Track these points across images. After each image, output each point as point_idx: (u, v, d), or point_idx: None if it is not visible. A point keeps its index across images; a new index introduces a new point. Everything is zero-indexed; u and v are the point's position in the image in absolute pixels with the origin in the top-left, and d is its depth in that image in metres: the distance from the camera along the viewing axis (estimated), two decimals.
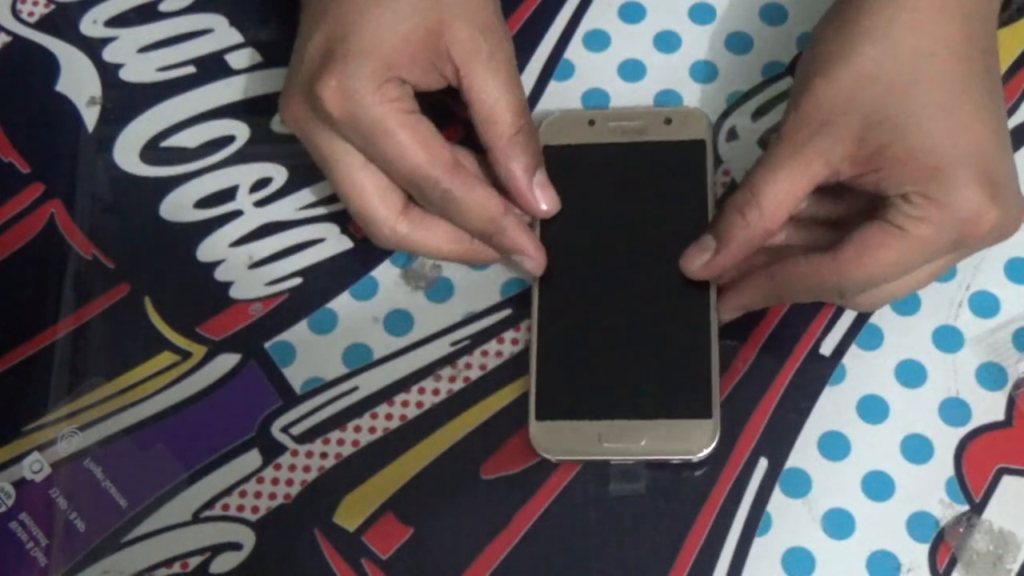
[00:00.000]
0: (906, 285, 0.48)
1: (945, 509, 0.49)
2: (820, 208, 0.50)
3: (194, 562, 0.50)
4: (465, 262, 0.52)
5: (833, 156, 0.46)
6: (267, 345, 0.53)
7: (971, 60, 0.47)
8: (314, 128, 0.50)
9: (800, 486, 0.50)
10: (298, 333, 0.53)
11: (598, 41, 0.59)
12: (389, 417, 0.52)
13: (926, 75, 0.46)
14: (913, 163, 0.45)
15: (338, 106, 0.48)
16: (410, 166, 0.48)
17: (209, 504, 0.51)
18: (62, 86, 0.59)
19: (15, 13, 0.60)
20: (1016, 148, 0.56)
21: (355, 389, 0.52)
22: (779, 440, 0.51)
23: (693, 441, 0.49)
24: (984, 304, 0.53)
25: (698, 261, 0.50)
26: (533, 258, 0.51)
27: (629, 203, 0.53)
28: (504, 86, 0.50)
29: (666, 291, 0.51)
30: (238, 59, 0.59)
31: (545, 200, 0.51)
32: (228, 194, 0.56)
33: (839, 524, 0.49)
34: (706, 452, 0.49)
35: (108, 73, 0.59)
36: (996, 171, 0.45)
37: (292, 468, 0.51)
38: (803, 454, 0.50)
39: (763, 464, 0.50)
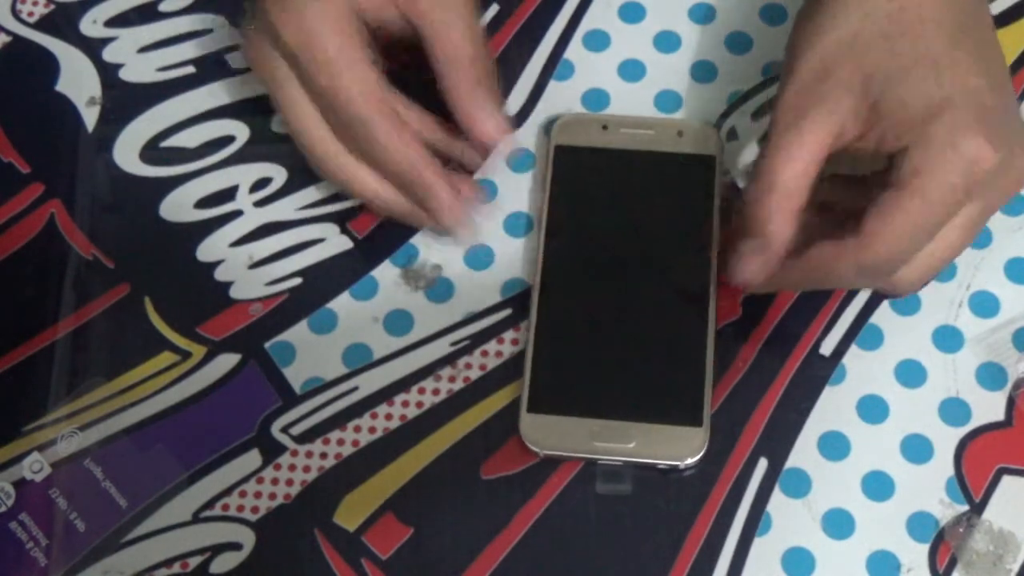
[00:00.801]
0: (941, 250, 0.47)
1: (945, 509, 0.49)
2: (847, 194, 0.49)
3: (194, 562, 0.50)
4: (398, 214, 0.52)
5: (839, 110, 0.46)
6: (267, 345, 0.53)
7: (956, 8, 0.47)
8: (267, 55, 0.51)
9: (800, 486, 0.50)
10: (298, 333, 0.53)
11: (598, 41, 0.59)
12: (389, 417, 0.52)
13: (910, 26, 0.46)
14: (905, 113, 0.45)
15: (292, 32, 0.49)
16: (344, 99, 0.49)
17: (209, 504, 0.51)
18: (62, 86, 0.59)
19: (15, 13, 0.60)
20: None
21: (355, 389, 0.52)
22: (779, 440, 0.51)
23: (682, 447, 0.49)
24: (984, 304, 0.53)
25: (749, 267, 0.48)
26: (447, 207, 0.51)
27: (635, 209, 0.54)
28: (458, 16, 0.50)
29: (665, 298, 0.52)
30: (238, 59, 0.59)
31: (491, 121, 0.51)
32: (228, 194, 0.56)
33: (839, 524, 0.49)
34: (694, 460, 0.49)
35: (108, 73, 0.59)
36: (992, 112, 0.45)
37: (292, 468, 0.51)
38: (803, 454, 0.50)
39: (763, 464, 0.50)
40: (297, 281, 0.54)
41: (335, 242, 0.55)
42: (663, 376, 0.50)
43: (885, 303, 0.53)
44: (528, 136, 0.57)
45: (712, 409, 0.50)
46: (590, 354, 0.51)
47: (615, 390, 0.50)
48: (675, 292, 0.52)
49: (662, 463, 0.49)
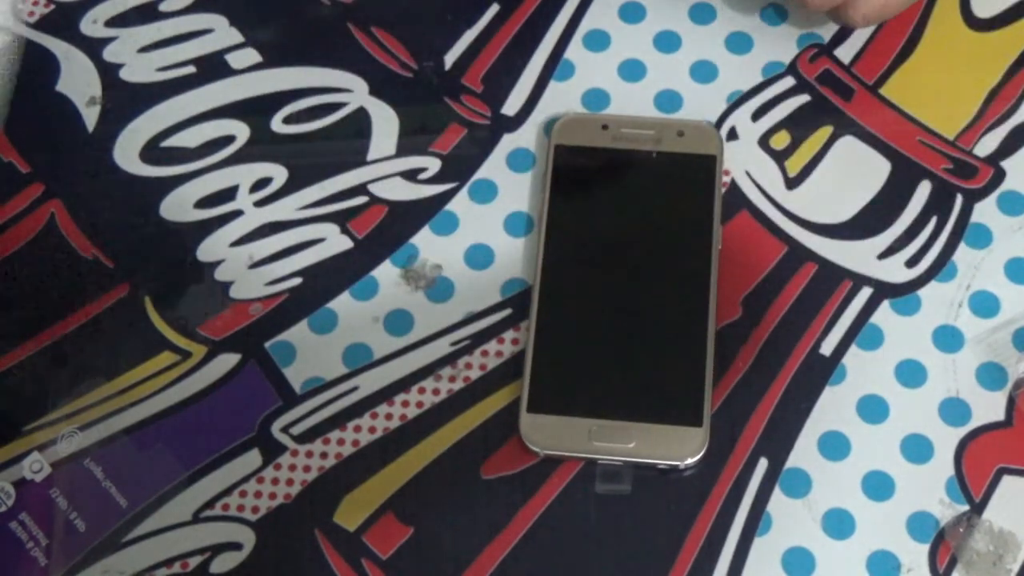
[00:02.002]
0: None
1: (945, 509, 0.49)
2: None
3: (194, 562, 0.50)
4: None
5: None
6: (267, 345, 0.53)
7: None
8: None
9: (800, 486, 0.50)
10: (298, 333, 0.53)
11: (598, 41, 0.59)
12: (389, 417, 0.52)
13: None
14: None
15: None
16: None
17: (209, 504, 0.51)
18: (62, 86, 0.59)
19: (15, 13, 0.60)
20: (1016, 148, 0.56)
21: (355, 389, 0.52)
22: (779, 440, 0.51)
23: (682, 448, 0.49)
24: (984, 304, 0.53)
25: None
26: None
27: (635, 210, 0.54)
28: None
29: (666, 298, 0.52)
30: (238, 59, 0.59)
31: None
32: (228, 194, 0.56)
33: (839, 524, 0.49)
34: (694, 460, 0.49)
35: (108, 73, 0.59)
36: None
37: (292, 468, 0.51)
38: (803, 454, 0.50)
39: (763, 464, 0.50)
40: (297, 281, 0.54)
41: (335, 242, 0.55)
42: (663, 376, 0.50)
43: (885, 303, 0.53)
44: (528, 136, 0.57)
45: (712, 409, 0.50)
46: (590, 354, 0.51)
47: (615, 390, 0.50)
48: (675, 292, 0.52)
49: (662, 463, 0.49)
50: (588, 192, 0.54)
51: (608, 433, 0.49)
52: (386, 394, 0.52)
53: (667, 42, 0.59)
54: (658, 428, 0.49)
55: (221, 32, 0.59)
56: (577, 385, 0.51)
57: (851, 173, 0.56)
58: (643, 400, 0.50)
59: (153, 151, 0.57)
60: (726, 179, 0.55)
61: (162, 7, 0.60)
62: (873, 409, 0.51)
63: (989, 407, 0.51)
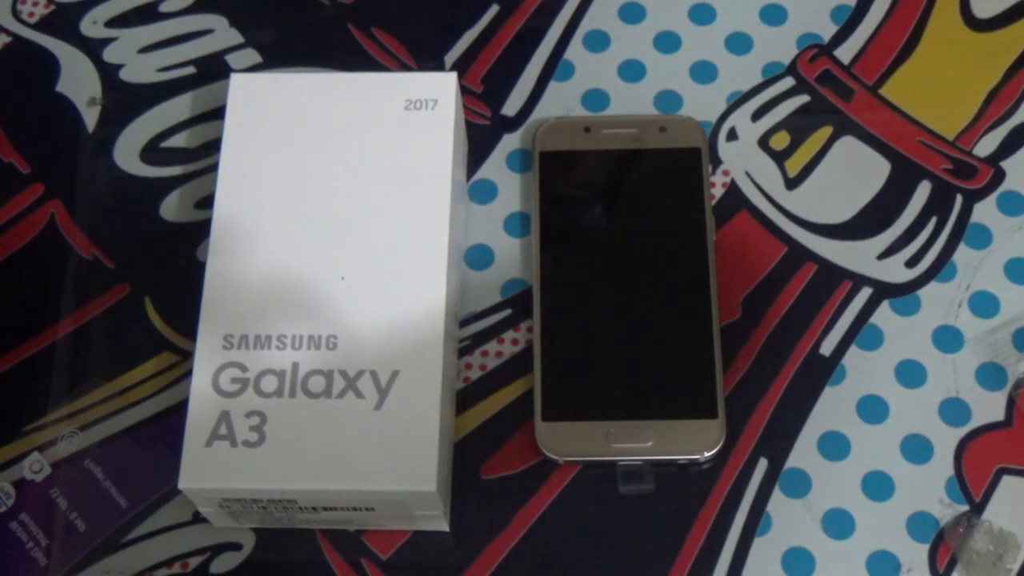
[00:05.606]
0: None
1: (945, 509, 0.49)
2: None
3: (194, 562, 0.50)
4: None
5: None
6: None
7: None
8: None
9: (800, 486, 0.50)
10: None
11: (598, 41, 0.59)
12: None
13: None
14: None
15: None
16: None
17: None
18: (62, 86, 0.59)
19: (15, 13, 0.60)
20: (1016, 148, 0.56)
21: None
22: (779, 440, 0.51)
23: (700, 441, 0.49)
24: (984, 304, 0.53)
25: None
26: None
27: (628, 209, 0.54)
28: None
29: (667, 292, 0.52)
30: (238, 59, 0.59)
31: None
32: None
33: (839, 524, 0.49)
34: (713, 452, 0.49)
35: (108, 73, 0.59)
36: None
37: None
38: (803, 454, 0.50)
39: (763, 464, 0.50)
40: None
41: None
42: (673, 372, 0.50)
43: (885, 303, 0.53)
44: (527, 138, 0.57)
45: (724, 394, 0.50)
46: (599, 357, 0.51)
47: (627, 391, 0.50)
48: (675, 284, 0.52)
49: (682, 458, 0.49)
50: (579, 197, 0.54)
51: (626, 434, 0.49)
52: None
53: (667, 42, 0.59)
54: (674, 424, 0.49)
55: (221, 32, 0.59)
56: (590, 389, 0.51)
57: (851, 173, 0.56)
58: (657, 397, 0.50)
59: (153, 151, 0.57)
60: (726, 179, 0.55)
61: (162, 7, 0.60)
62: (873, 409, 0.51)
63: (989, 407, 0.51)
